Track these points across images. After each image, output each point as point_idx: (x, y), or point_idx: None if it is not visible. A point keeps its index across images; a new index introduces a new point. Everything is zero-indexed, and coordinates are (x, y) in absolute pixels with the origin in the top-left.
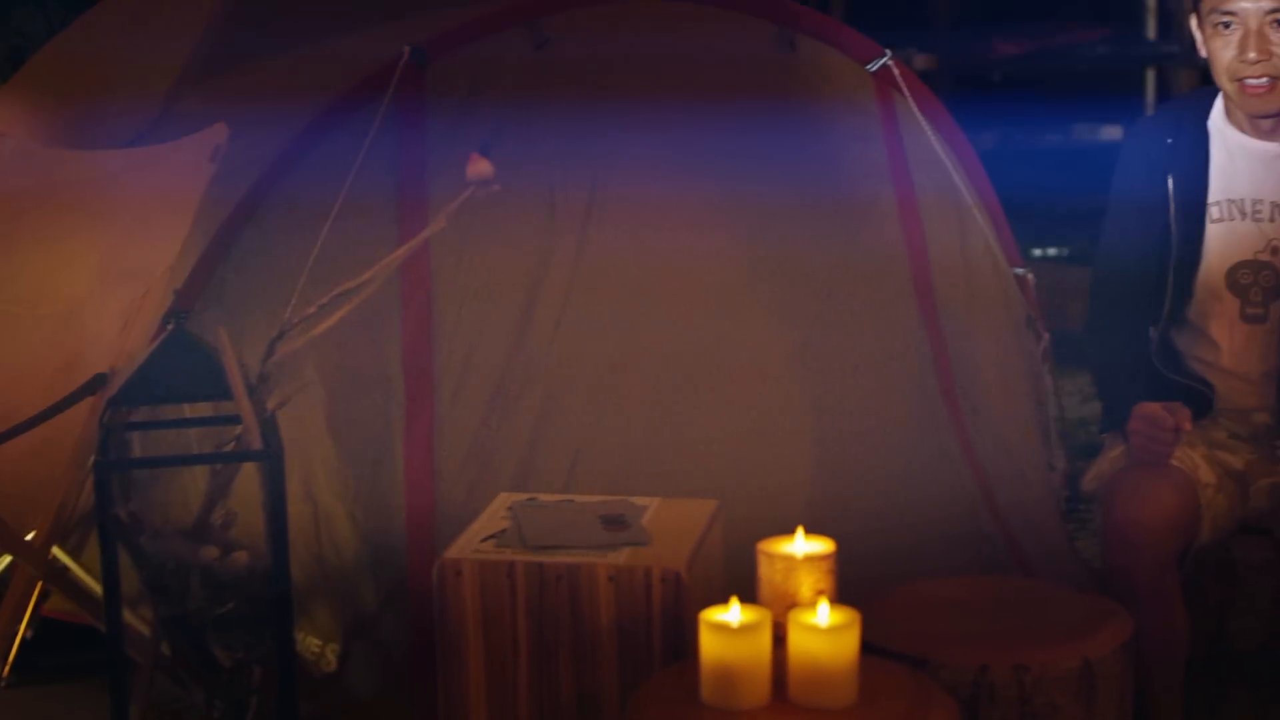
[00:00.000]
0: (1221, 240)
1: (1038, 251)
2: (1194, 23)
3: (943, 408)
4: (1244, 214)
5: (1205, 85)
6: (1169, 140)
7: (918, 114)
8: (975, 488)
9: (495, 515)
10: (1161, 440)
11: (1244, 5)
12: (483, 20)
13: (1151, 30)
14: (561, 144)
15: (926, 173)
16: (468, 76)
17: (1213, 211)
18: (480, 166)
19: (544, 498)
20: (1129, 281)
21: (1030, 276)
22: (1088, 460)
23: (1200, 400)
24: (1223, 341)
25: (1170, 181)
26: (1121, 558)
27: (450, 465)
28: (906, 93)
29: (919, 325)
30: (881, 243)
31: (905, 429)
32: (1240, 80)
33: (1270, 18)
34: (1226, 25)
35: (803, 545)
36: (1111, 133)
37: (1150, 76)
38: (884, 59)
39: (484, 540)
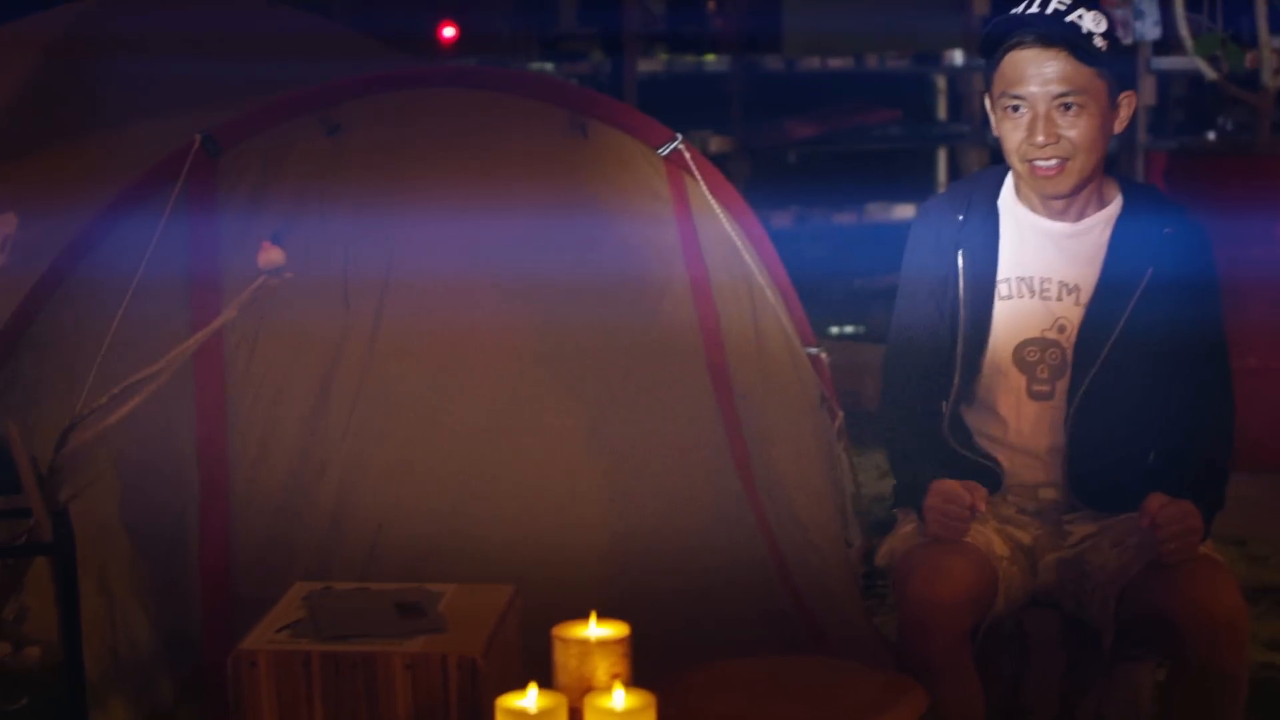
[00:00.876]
0: (1009, 317)
1: (834, 329)
2: (988, 103)
3: (739, 486)
4: (1033, 292)
5: (996, 164)
6: (959, 217)
7: (709, 196)
8: (772, 566)
9: (291, 605)
10: (958, 518)
11: (1032, 90)
12: (274, 108)
13: (942, 111)
14: (354, 230)
15: (718, 254)
16: (260, 164)
17: (1001, 289)
18: (272, 254)
19: (339, 586)
20: (920, 358)
21: (824, 355)
22: (884, 537)
23: (990, 476)
24: (1010, 418)
25: (960, 258)
26: (916, 635)
27: (246, 555)
28: (698, 175)
29: (713, 405)
30: (675, 324)
31: (701, 509)
32: (1030, 162)
33: (1058, 102)
34: (1016, 108)
35: (597, 630)
36: (904, 211)
37: (941, 156)
38: (675, 143)
39: (279, 630)
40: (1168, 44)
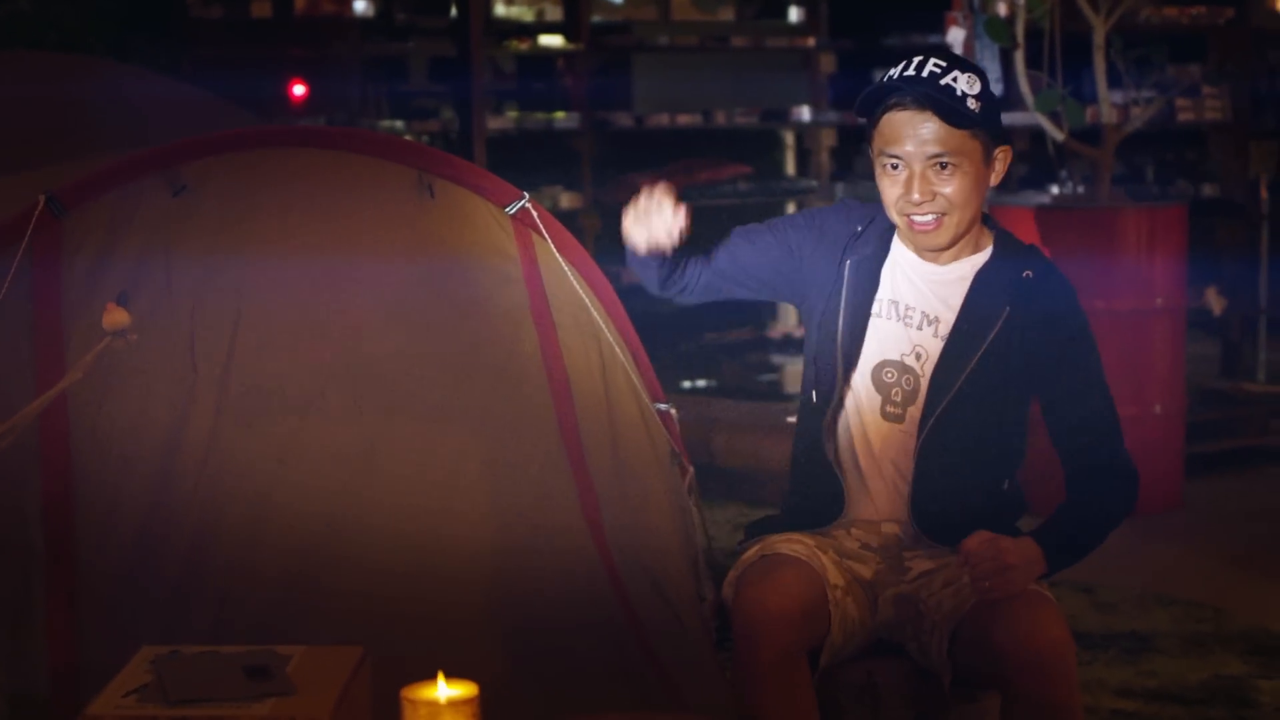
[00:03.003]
0: (877, 336)
1: (686, 384)
2: (871, 155)
3: (591, 544)
4: (897, 316)
5: None
6: (858, 228)
7: (556, 254)
8: (625, 622)
9: (139, 668)
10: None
11: (908, 150)
12: (120, 168)
13: (790, 167)
14: (201, 291)
15: (567, 312)
16: (105, 224)
17: (874, 307)
18: (117, 316)
19: (187, 649)
20: (743, 246)
21: (673, 411)
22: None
23: (835, 500)
24: (860, 436)
25: (846, 267)
26: (747, 646)
27: (94, 620)
28: (545, 234)
29: (564, 463)
30: (524, 383)
31: (553, 567)
32: (908, 216)
33: (933, 161)
34: (894, 166)
35: (446, 690)
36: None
37: (790, 210)
38: (522, 201)
39: (126, 695)
40: (1010, 100)
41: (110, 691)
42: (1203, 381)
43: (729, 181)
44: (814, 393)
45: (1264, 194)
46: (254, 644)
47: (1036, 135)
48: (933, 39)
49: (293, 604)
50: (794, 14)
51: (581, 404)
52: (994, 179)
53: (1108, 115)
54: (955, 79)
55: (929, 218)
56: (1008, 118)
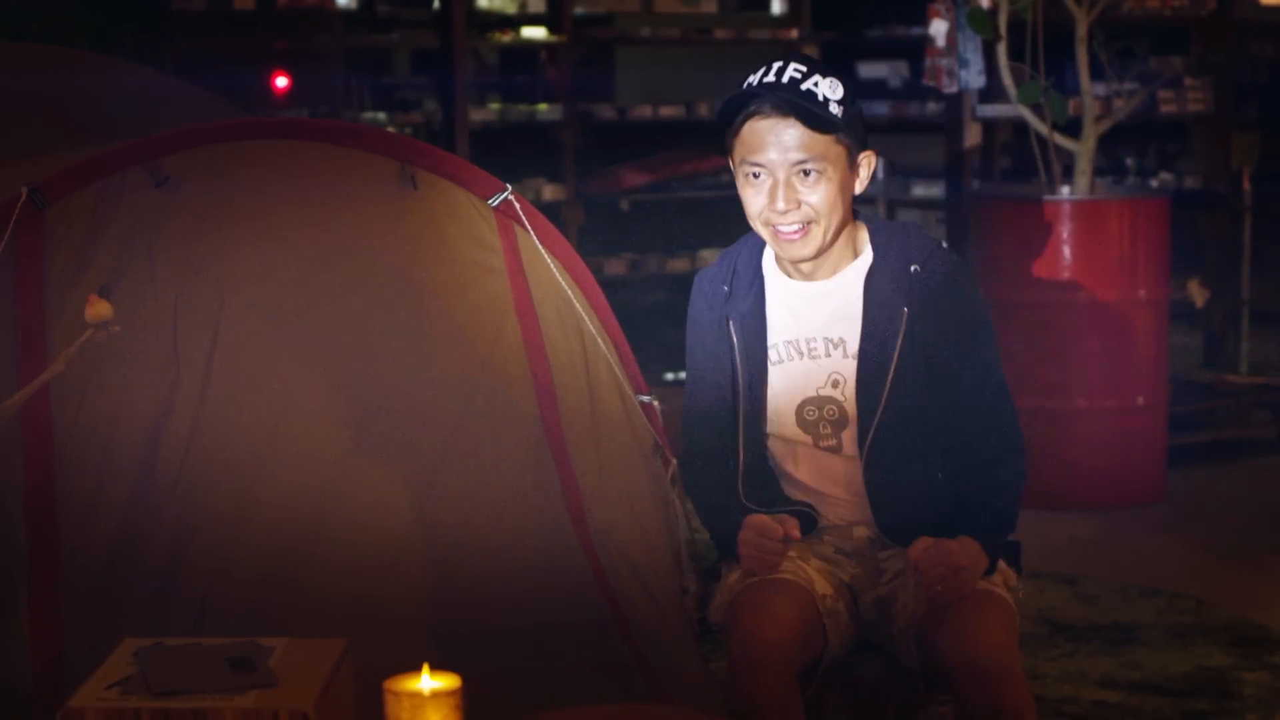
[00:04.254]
0: (786, 380)
1: (669, 375)
2: (732, 167)
3: (573, 536)
4: (801, 354)
5: None
6: (725, 288)
7: (539, 246)
8: (608, 614)
9: (121, 661)
10: (771, 550)
11: (771, 157)
12: (103, 160)
13: None
14: (183, 282)
15: (550, 304)
16: (87, 216)
17: (772, 354)
18: (99, 308)
19: (170, 642)
20: (714, 424)
21: (656, 403)
22: (712, 585)
23: (805, 519)
24: (807, 473)
25: (732, 329)
26: (745, 676)
27: (76, 612)
28: (528, 225)
29: (547, 455)
30: (506, 375)
31: (536, 559)
32: (773, 226)
33: (797, 168)
34: (757, 175)
35: (429, 682)
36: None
37: None
38: (504, 193)
39: (109, 687)
40: (993, 92)
41: (93, 683)
42: (1185, 373)
43: (711, 173)
44: (741, 451)
45: (1246, 186)
46: (237, 636)
47: (1019, 128)
48: (915, 31)
49: (276, 597)
50: (777, 6)
51: (564, 396)
52: (859, 185)
53: (1090, 107)
54: (816, 83)
55: (794, 226)
56: (991, 110)
